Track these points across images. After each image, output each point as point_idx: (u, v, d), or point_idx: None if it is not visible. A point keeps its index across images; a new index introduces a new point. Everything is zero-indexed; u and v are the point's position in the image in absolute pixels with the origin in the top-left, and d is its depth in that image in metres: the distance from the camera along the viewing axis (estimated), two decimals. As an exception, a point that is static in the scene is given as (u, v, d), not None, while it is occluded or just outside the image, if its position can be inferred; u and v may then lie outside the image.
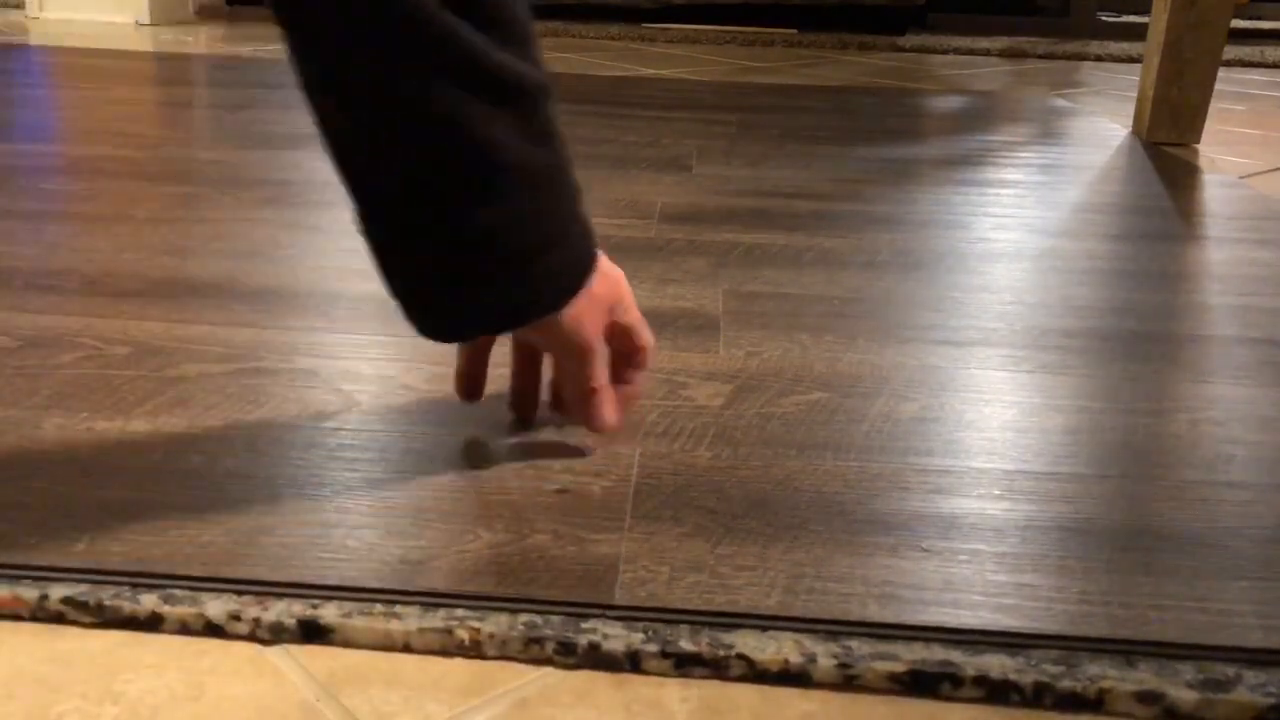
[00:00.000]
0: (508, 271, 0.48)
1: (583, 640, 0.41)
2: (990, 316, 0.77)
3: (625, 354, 0.55)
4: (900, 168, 1.24)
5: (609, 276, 0.53)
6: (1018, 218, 1.04)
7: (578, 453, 0.55)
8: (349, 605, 0.43)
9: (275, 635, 0.42)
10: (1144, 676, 0.40)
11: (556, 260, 0.49)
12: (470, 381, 0.58)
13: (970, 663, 0.41)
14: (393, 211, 0.48)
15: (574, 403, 0.54)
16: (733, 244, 0.92)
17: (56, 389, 0.60)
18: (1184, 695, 0.40)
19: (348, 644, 0.42)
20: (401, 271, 0.49)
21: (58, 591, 0.43)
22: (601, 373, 0.53)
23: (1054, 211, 1.07)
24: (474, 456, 0.54)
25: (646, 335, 0.56)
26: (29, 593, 0.42)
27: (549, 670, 0.41)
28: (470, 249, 0.47)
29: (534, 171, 0.47)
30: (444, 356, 0.66)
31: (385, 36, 0.43)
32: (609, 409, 0.54)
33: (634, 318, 0.55)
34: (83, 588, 0.43)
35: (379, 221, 0.48)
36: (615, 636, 0.41)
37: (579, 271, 0.50)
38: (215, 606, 0.42)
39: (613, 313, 0.53)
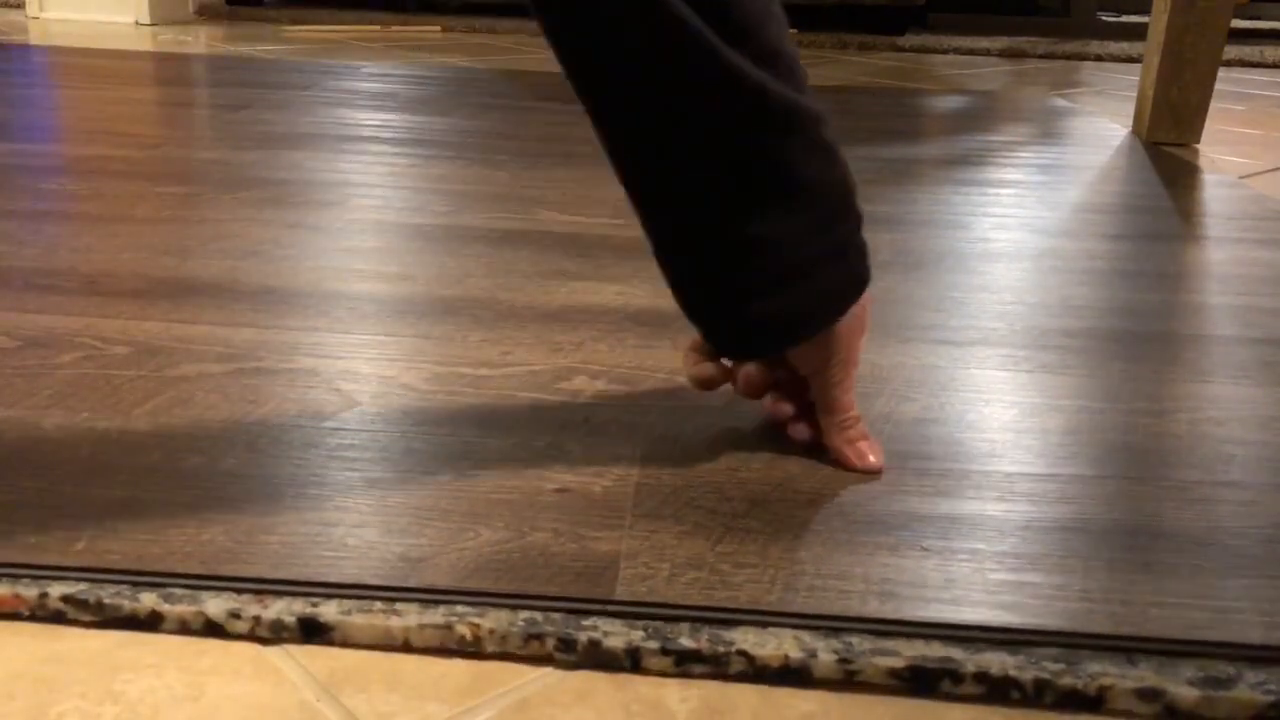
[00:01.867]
0: (795, 281, 0.51)
1: (583, 637, 0.41)
2: (990, 316, 0.77)
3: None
4: (900, 168, 1.24)
5: (867, 305, 0.55)
6: (1018, 218, 1.04)
7: (578, 453, 0.55)
8: (349, 603, 0.43)
9: (275, 634, 0.42)
10: (1144, 674, 0.40)
11: (840, 272, 0.52)
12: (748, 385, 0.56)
13: (971, 659, 0.41)
14: (691, 233, 0.51)
15: (834, 430, 0.55)
16: (733, 244, 0.92)
17: (56, 389, 0.60)
18: (1184, 693, 0.40)
19: (348, 642, 0.42)
20: (704, 295, 0.53)
21: (58, 591, 0.43)
22: (851, 390, 0.55)
23: (1054, 211, 1.07)
24: (474, 456, 0.54)
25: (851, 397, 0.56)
26: (29, 592, 0.42)
27: (549, 670, 0.41)
28: (759, 258, 0.51)
29: (823, 187, 0.51)
30: (444, 357, 0.66)
31: (696, 89, 0.48)
32: (870, 445, 0.55)
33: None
34: (82, 587, 0.43)
35: (677, 246, 0.52)
36: (615, 633, 0.41)
37: (856, 285, 0.53)
38: (215, 605, 0.42)
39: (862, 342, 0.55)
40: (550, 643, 0.41)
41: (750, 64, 0.48)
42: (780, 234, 0.50)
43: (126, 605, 0.42)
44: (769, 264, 0.51)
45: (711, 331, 0.54)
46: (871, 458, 0.54)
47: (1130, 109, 1.59)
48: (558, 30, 0.49)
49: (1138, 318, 0.78)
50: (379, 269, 0.81)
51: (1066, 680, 0.40)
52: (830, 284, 0.52)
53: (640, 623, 0.42)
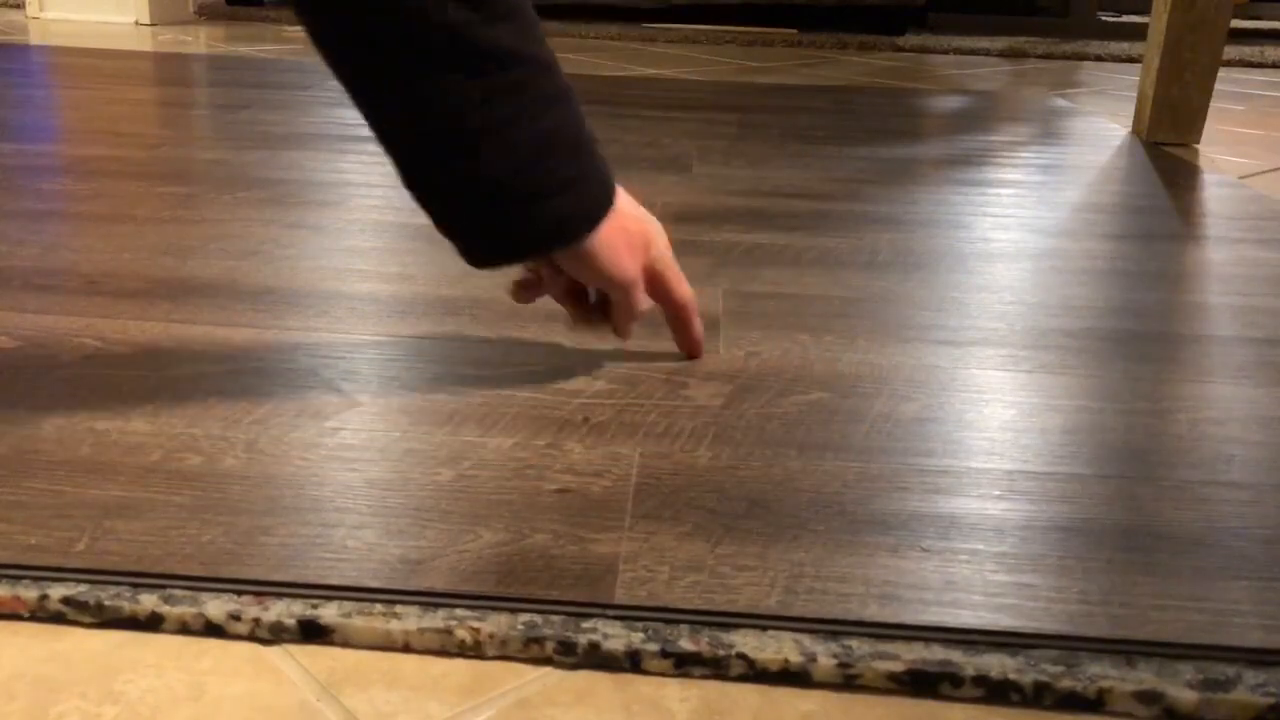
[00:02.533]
0: (523, 211, 0.56)
1: (583, 640, 0.41)
2: (990, 316, 0.77)
3: (671, 315, 0.66)
4: (900, 168, 1.24)
5: (639, 218, 0.62)
6: (1018, 218, 1.04)
7: (578, 453, 0.55)
8: (349, 605, 0.43)
9: (275, 635, 0.42)
10: (1144, 676, 0.40)
11: (570, 202, 0.57)
12: (521, 289, 0.66)
13: (970, 662, 0.41)
14: (419, 169, 0.56)
15: (622, 327, 0.64)
16: (733, 244, 0.92)
17: (56, 389, 0.60)
18: (1184, 695, 0.40)
19: (348, 644, 0.42)
20: (436, 216, 0.57)
21: (58, 591, 0.43)
22: (643, 299, 0.63)
23: (1054, 211, 1.07)
24: (474, 456, 0.54)
25: (683, 288, 0.65)
26: (29, 593, 0.42)
27: (549, 670, 0.41)
28: (488, 196, 0.55)
29: (533, 130, 0.55)
30: (444, 357, 0.66)
31: (392, 32, 0.51)
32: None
33: (667, 264, 0.64)
34: (83, 588, 0.43)
35: (411, 177, 0.56)
36: (615, 636, 0.41)
37: (591, 209, 0.58)
38: (215, 606, 0.42)
39: (648, 252, 0.62)
40: (550, 646, 0.41)
41: (466, 10, 0.51)
42: (501, 171, 0.55)
43: (126, 607, 0.42)
44: (500, 197, 0.56)
45: (459, 247, 0.59)
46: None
47: (1130, 109, 1.59)
48: None
49: (1138, 318, 0.78)
50: (379, 269, 0.81)
51: (1066, 683, 0.40)
52: (551, 212, 0.57)
53: (640, 625, 0.42)
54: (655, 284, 0.64)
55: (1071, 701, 0.40)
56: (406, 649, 0.41)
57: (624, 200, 0.61)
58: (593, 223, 0.58)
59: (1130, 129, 1.53)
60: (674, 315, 0.66)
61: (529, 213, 0.56)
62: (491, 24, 0.52)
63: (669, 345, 0.69)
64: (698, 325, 0.66)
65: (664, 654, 0.41)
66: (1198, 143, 1.47)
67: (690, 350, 0.67)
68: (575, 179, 0.57)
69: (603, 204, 0.59)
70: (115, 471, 0.51)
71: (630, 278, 0.61)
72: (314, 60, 1.97)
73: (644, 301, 0.63)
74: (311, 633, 0.42)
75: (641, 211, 0.63)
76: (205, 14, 2.75)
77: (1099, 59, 2.50)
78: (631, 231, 0.61)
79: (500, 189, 0.55)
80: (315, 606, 0.42)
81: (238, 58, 1.99)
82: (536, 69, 0.55)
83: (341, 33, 0.53)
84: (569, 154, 0.57)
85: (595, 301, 0.66)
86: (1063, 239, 0.97)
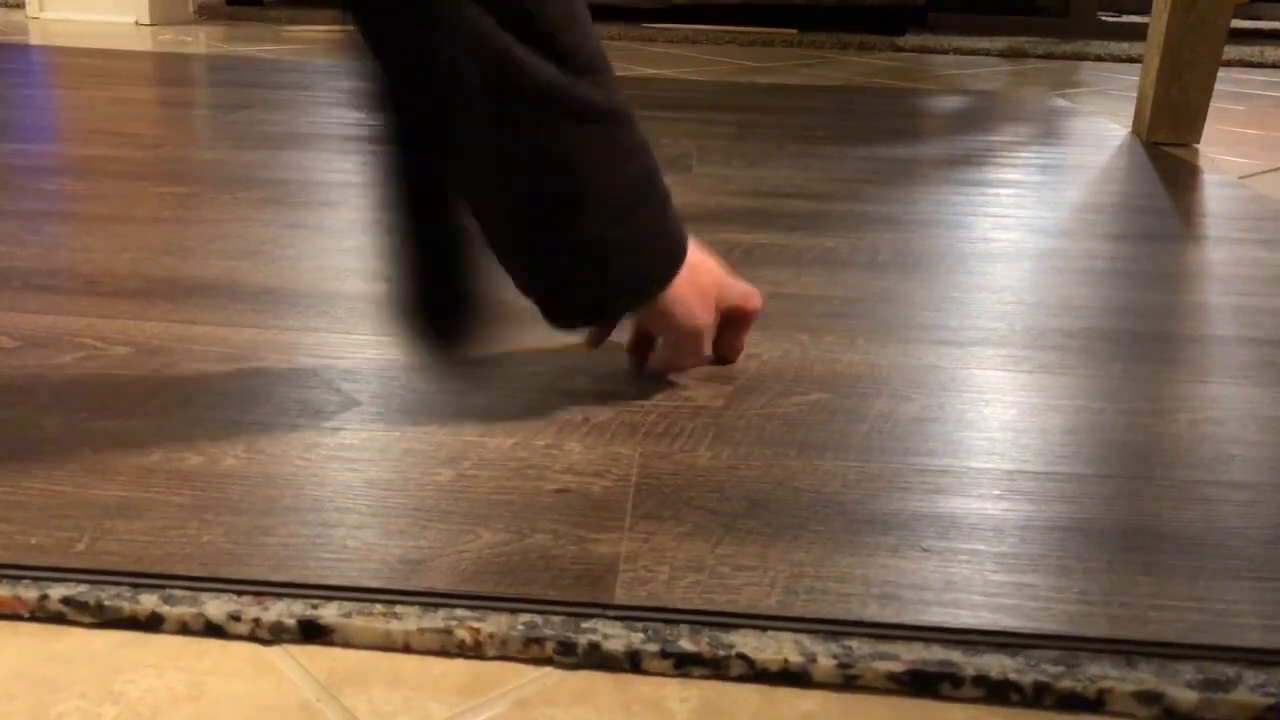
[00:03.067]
0: (610, 268, 0.56)
1: (583, 640, 0.41)
2: (990, 316, 0.77)
3: (736, 319, 0.66)
4: (900, 168, 1.24)
5: (708, 268, 0.61)
6: (1018, 218, 1.04)
7: (578, 453, 0.55)
8: (349, 605, 0.43)
9: (275, 635, 0.42)
10: (1144, 676, 0.40)
11: (652, 257, 0.57)
12: (593, 340, 0.67)
13: (970, 662, 0.41)
14: (515, 228, 0.55)
15: (679, 371, 0.65)
16: (732, 244, 0.92)
17: (56, 389, 0.60)
18: (1184, 695, 0.40)
19: (348, 644, 0.42)
20: (522, 277, 0.57)
21: (58, 591, 0.43)
22: (707, 345, 0.64)
23: (1054, 211, 1.07)
24: (474, 456, 0.54)
25: (753, 300, 0.65)
26: (29, 593, 0.42)
27: (549, 670, 0.41)
28: (579, 253, 0.55)
29: (619, 186, 0.55)
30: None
31: (496, 91, 0.51)
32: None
33: (735, 294, 0.64)
34: (83, 588, 0.43)
35: (505, 238, 0.56)
36: (615, 636, 0.41)
37: (667, 265, 0.58)
38: (215, 606, 0.42)
39: (718, 297, 0.62)
40: (550, 646, 0.41)
41: (553, 67, 0.52)
42: (586, 232, 0.55)
43: (126, 607, 0.42)
44: (585, 255, 0.55)
45: (544, 309, 0.58)
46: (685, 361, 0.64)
47: (1130, 109, 1.59)
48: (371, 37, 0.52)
49: (1138, 318, 0.78)
50: (379, 269, 0.81)
51: (1066, 683, 0.40)
52: (636, 268, 0.57)
53: (640, 625, 0.42)
54: (723, 329, 0.65)
55: (1071, 701, 0.40)
56: (406, 649, 0.41)
57: (698, 252, 0.61)
58: (671, 276, 0.58)
59: (1130, 129, 1.53)
60: (734, 321, 0.66)
61: (616, 270, 0.56)
62: (576, 76, 0.52)
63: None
64: (744, 338, 0.67)
65: (664, 654, 0.41)
66: (1198, 143, 1.47)
67: (726, 356, 0.67)
68: (658, 233, 0.57)
69: (679, 256, 0.58)
70: (115, 471, 0.51)
71: (701, 328, 0.61)
72: (314, 60, 1.97)
73: (707, 347, 0.63)
74: (311, 633, 0.42)
75: (707, 256, 0.62)
76: (205, 14, 2.75)
77: (1099, 59, 2.50)
78: (704, 283, 0.60)
79: (591, 245, 0.55)
80: (315, 606, 0.42)
81: (238, 58, 1.99)
82: (618, 121, 0.55)
83: (448, 92, 0.52)
84: (651, 207, 0.57)
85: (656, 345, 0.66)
86: (1063, 239, 0.97)
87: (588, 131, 0.53)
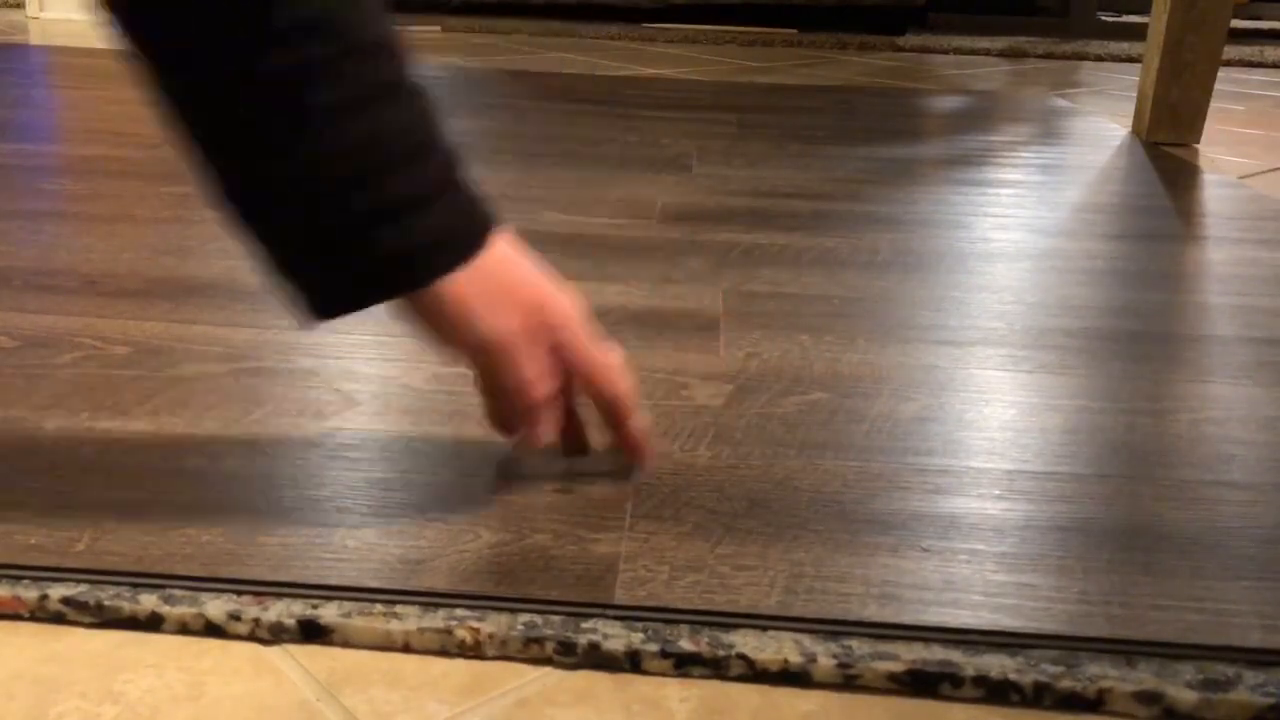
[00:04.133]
0: (360, 233, 0.44)
1: (583, 640, 0.41)
2: (990, 316, 0.77)
3: (602, 407, 0.51)
4: (900, 168, 1.24)
5: (532, 282, 0.48)
6: (1018, 218, 1.04)
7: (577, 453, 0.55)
8: (349, 605, 0.43)
9: (275, 635, 0.42)
10: (1143, 676, 0.40)
11: (420, 227, 0.44)
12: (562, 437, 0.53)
13: (970, 662, 0.41)
14: (232, 175, 0.45)
15: (504, 417, 0.50)
16: (733, 244, 0.92)
17: (56, 389, 0.60)
18: (1183, 695, 0.40)
19: (348, 644, 0.42)
20: (264, 244, 0.46)
21: (58, 591, 0.43)
22: (535, 377, 0.48)
23: (1054, 211, 1.07)
24: (474, 456, 0.54)
25: (607, 377, 0.50)
26: (29, 593, 0.42)
27: (549, 670, 0.41)
28: (314, 207, 0.44)
29: (366, 129, 0.43)
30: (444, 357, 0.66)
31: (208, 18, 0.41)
32: (549, 426, 0.49)
33: (579, 346, 0.49)
34: (83, 588, 0.43)
35: (226, 188, 0.45)
36: (615, 636, 0.41)
37: (451, 244, 0.45)
38: (215, 606, 0.42)
39: (539, 319, 0.48)
40: (550, 646, 0.41)
41: None
42: (328, 178, 0.43)
43: (126, 607, 0.42)
44: (305, 211, 0.44)
45: (297, 293, 0.47)
46: (543, 432, 0.49)
47: (1130, 109, 1.59)
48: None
49: (1138, 318, 0.78)
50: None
51: (1066, 683, 0.40)
52: (395, 238, 0.44)
53: (640, 625, 0.42)
54: (566, 368, 0.50)
55: (1071, 702, 0.40)
56: (406, 649, 0.41)
57: (514, 254, 0.48)
58: (451, 259, 0.45)
59: (1130, 129, 1.53)
60: (601, 413, 0.51)
61: (367, 236, 0.44)
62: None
63: (668, 345, 0.69)
64: (636, 427, 0.52)
65: (664, 654, 0.41)
66: (1198, 143, 1.47)
67: (632, 456, 0.53)
68: (427, 199, 0.45)
69: (467, 240, 0.46)
70: (115, 471, 0.51)
71: (499, 339, 0.47)
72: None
73: (535, 383, 0.48)
74: (311, 633, 0.42)
75: (544, 276, 0.49)
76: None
77: (1099, 59, 2.50)
78: (512, 286, 0.47)
79: (327, 198, 0.43)
80: (315, 606, 0.42)
81: (238, 58, 1.99)
82: (362, 49, 0.43)
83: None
84: (414, 166, 0.44)
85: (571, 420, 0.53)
86: (1063, 239, 0.97)
87: (311, 51, 0.42)
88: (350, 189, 0.43)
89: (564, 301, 0.49)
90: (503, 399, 0.49)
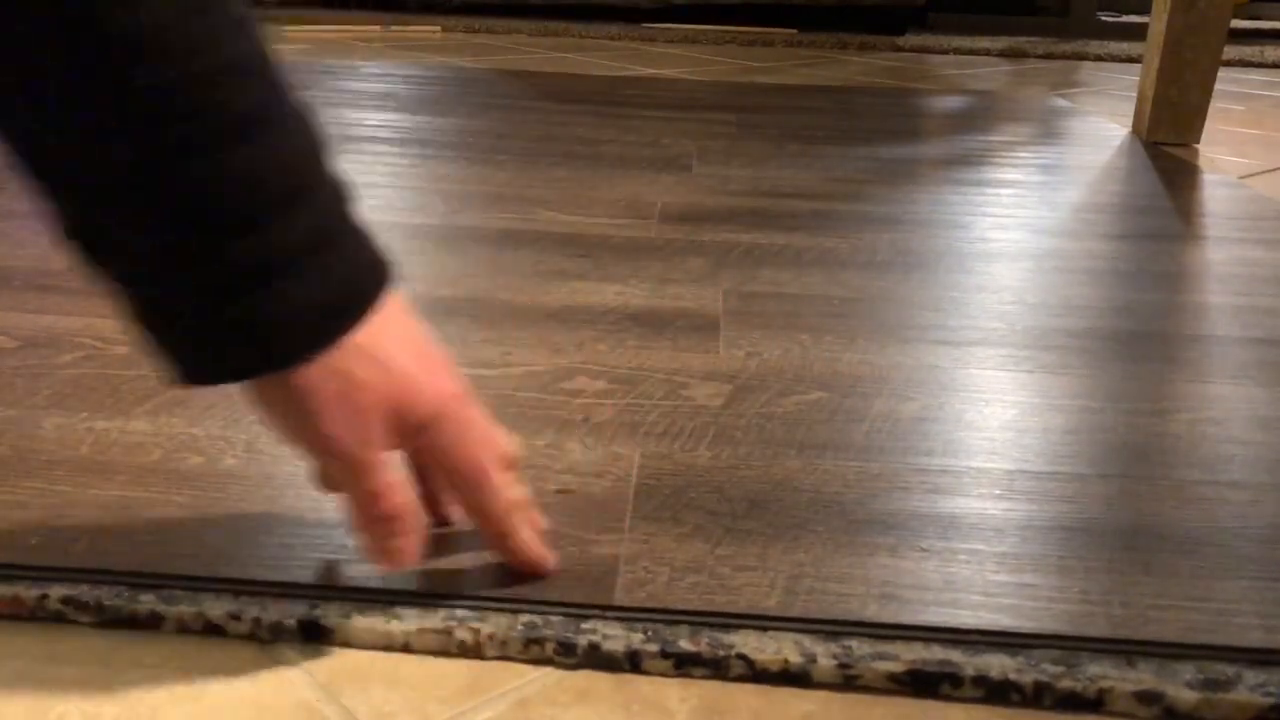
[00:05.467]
0: (195, 308, 0.36)
1: (583, 640, 0.41)
2: (990, 316, 0.77)
3: (476, 523, 0.43)
4: (900, 168, 1.24)
5: (402, 371, 0.39)
6: (1018, 218, 1.04)
7: (578, 453, 0.55)
8: (349, 605, 0.43)
9: (275, 635, 0.42)
10: (1144, 676, 0.40)
11: (283, 297, 0.36)
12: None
13: (970, 662, 0.41)
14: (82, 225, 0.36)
15: (357, 527, 0.41)
16: (733, 244, 0.92)
17: (56, 389, 0.60)
18: (1184, 695, 0.40)
19: (348, 644, 0.42)
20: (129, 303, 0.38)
21: (58, 592, 0.43)
22: (385, 488, 0.40)
23: (1054, 211, 1.07)
24: (474, 456, 0.54)
25: (483, 490, 0.42)
26: (29, 593, 0.42)
27: (549, 670, 0.41)
28: (162, 262, 0.36)
29: (217, 174, 0.35)
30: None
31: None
32: (407, 542, 0.41)
33: (451, 449, 0.41)
34: (83, 588, 0.43)
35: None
36: (615, 636, 0.41)
37: (319, 320, 0.37)
38: (215, 607, 0.42)
39: (416, 429, 0.40)
40: (550, 646, 0.41)
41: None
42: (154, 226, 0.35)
43: (126, 606, 0.42)
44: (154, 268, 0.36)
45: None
46: (402, 549, 0.41)
47: (1130, 109, 1.59)
48: None
49: (1138, 318, 0.78)
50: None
51: (1066, 683, 0.40)
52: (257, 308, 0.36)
53: (640, 625, 0.42)
54: (435, 477, 0.44)
55: (1071, 701, 0.40)
56: (406, 649, 0.41)
57: (390, 324, 0.40)
58: (309, 342, 0.38)
59: (1130, 129, 1.53)
60: (477, 528, 0.44)
61: (208, 309, 0.36)
62: None
63: (668, 345, 0.69)
64: (522, 543, 0.43)
65: (664, 654, 0.41)
66: (1198, 143, 1.47)
67: (521, 570, 0.44)
68: (294, 261, 0.37)
69: (335, 316, 0.38)
70: (115, 471, 0.51)
71: (344, 448, 0.39)
72: (314, 60, 1.97)
73: (385, 494, 0.40)
74: (311, 633, 0.42)
75: (419, 353, 0.41)
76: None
77: (1099, 59, 2.50)
78: (373, 378, 0.39)
79: (162, 257, 0.36)
80: (315, 607, 0.42)
81: (238, 58, 1.99)
82: (210, 72, 0.34)
83: None
84: (283, 216, 0.36)
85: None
86: (1063, 239, 0.97)
87: (143, 79, 0.33)
88: (192, 249, 0.35)
89: (435, 390, 0.40)
90: (357, 508, 0.41)
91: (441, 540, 0.46)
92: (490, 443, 0.42)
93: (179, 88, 0.34)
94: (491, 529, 0.43)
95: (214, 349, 0.37)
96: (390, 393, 0.39)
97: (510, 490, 0.43)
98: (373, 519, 0.41)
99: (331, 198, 0.39)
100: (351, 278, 0.39)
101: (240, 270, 0.36)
